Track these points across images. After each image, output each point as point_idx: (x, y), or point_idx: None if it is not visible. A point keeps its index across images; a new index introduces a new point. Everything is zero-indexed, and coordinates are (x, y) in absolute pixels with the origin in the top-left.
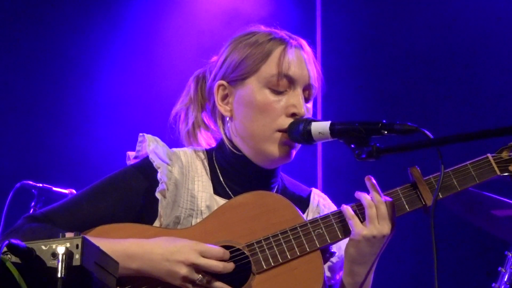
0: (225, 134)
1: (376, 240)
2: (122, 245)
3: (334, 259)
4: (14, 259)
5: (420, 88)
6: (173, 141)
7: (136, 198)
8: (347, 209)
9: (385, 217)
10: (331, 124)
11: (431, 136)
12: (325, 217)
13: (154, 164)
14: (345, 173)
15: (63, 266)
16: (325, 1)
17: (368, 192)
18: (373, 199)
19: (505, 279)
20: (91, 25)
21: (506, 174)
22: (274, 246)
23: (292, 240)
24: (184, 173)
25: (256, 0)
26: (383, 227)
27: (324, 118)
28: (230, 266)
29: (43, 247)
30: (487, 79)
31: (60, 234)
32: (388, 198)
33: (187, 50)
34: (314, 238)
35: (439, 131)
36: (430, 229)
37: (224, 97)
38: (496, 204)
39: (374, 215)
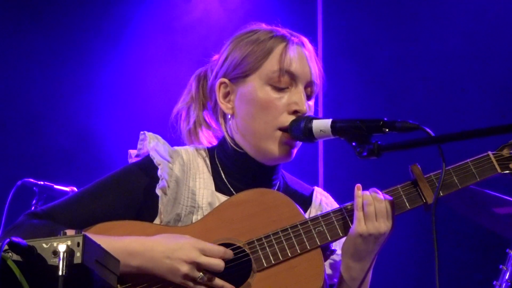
0: (227, 131)
1: (373, 238)
2: (123, 242)
3: (335, 257)
4: (15, 257)
5: (421, 86)
6: (174, 140)
7: (137, 196)
8: (359, 198)
9: (383, 215)
10: (332, 122)
11: (432, 133)
12: (326, 214)
13: (155, 161)
14: (347, 171)
15: (64, 264)
16: None
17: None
18: (368, 199)
19: (507, 277)
20: (94, 24)
21: (507, 171)
22: (275, 244)
23: (293, 237)
24: (185, 171)
25: None
26: (380, 225)
27: (326, 116)
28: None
29: (44, 245)
30: (488, 77)
31: (61, 232)
32: (387, 196)
33: (188, 49)
34: (315, 235)
35: (440, 129)
36: (431, 226)
37: (226, 95)
38: (497, 201)
39: (372, 213)
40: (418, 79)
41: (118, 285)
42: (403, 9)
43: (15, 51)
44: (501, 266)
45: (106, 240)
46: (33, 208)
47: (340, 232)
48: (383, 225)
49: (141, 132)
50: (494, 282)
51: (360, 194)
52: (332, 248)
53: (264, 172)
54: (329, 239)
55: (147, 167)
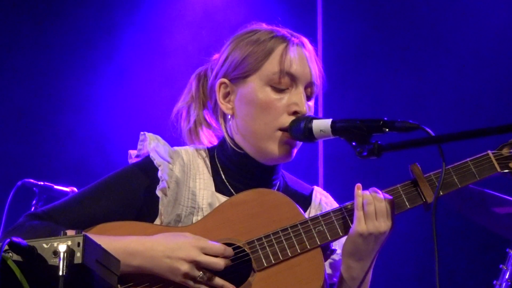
0: (227, 132)
1: (373, 237)
2: (123, 242)
3: (335, 256)
4: (16, 257)
5: (422, 86)
6: (175, 139)
7: (137, 196)
8: (359, 198)
9: (383, 214)
10: (332, 122)
11: (432, 133)
12: (326, 214)
13: (155, 162)
14: (346, 170)
15: (65, 264)
16: (326, 0)
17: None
18: (368, 198)
19: (507, 277)
20: (94, 24)
21: (506, 171)
22: (275, 244)
23: (293, 237)
24: (185, 171)
25: None
26: (381, 225)
27: (326, 116)
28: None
29: (45, 245)
30: (488, 77)
31: (62, 232)
32: (387, 196)
33: (188, 48)
34: (315, 235)
35: (440, 129)
36: (431, 226)
37: (226, 95)
38: (497, 201)
39: (372, 212)
40: (418, 79)
41: (119, 285)
42: (402, 9)
43: (14, 48)
44: (501, 266)
45: (106, 240)
46: (33, 208)
47: (340, 231)
48: (383, 224)
49: (141, 133)
50: (494, 282)
51: (360, 194)
52: (332, 247)
53: (264, 172)
54: (329, 238)
55: (147, 168)
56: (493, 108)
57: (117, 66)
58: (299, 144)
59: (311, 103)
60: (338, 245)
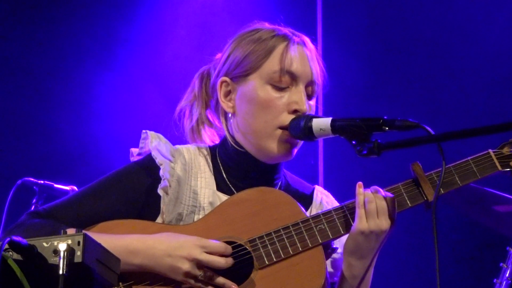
0: (228, 130)
1: (374, 235)
2: (124, 240)
3: (336, 255)
4: (16, 256)
5: (422, 85)
6: (177, 138)
7: (138, 195)
8: (360, 196)
9: (384, 212)
10: (332, 121)
11: (432, 132)
12: (327, 212)
13: (157, 161)
14: (347, 169)
15: (65, 263)
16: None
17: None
18: (369, 197)
19: (507, 275)
20: (95, 22)
21: (507, 169)
22: (276, 242)
23: (294, 235)
24: (187, 170)
25: None
26: (382, 222)
27: (326, 115)
28: (230, 261)
29: (45, 244)
30: (488, 75)
31: (62, 230)
32: (388, 194)
33: (192, 47)
34: (316, 233)
35: (441, 127)
36: (432, 225)
37: (227, 94)
38: (498, 199)
39: (373, 210)
40: (418, 78)
41: (120, 283)
42: (401, 8)
43: (14, 47)
44: (501, 264)
45: (107, 239)
46: (33, 207)
47: (341, 229)
48: (385, 222)
49: (143, 131)
50: (495, 280)
51: (362, 192)
52: (334, 246)
53: (265, 171)
54: (331, 236)
55: (149, 166)
56: (493, 107)
57: (119, 65)
58: (300, 143)
59: (312, 102)
60: (339, 244)
